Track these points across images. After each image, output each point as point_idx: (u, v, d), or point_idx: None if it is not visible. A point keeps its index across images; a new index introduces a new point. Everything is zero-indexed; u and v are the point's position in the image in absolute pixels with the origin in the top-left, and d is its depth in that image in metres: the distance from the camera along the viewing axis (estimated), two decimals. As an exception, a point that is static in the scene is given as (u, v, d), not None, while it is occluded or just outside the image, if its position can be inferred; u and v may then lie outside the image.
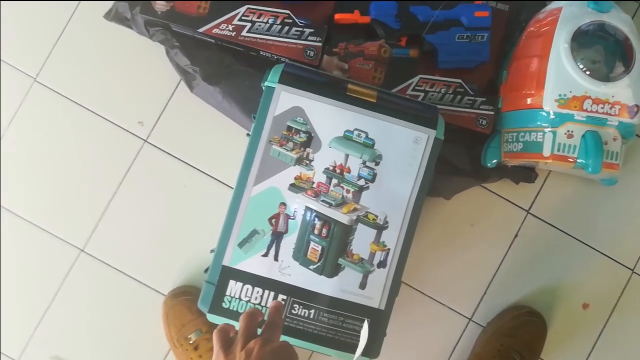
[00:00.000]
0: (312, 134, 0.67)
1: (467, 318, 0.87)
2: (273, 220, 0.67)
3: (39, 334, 0.87)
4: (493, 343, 0.82)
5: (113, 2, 0.84)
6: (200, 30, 0.79)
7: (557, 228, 0.88)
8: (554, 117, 0.72)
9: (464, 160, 0.83)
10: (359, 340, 0.67)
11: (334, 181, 0.68)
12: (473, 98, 0.80)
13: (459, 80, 0.80)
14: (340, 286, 0.67)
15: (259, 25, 0.79)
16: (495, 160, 0.82)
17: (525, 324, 0.83)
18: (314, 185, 0.68)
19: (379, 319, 0.68)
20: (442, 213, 0.87)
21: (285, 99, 0.67)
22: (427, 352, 0.87)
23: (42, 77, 0.88)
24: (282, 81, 0.67)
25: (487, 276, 0.87)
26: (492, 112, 0.80)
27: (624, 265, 0.88)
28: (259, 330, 0.54)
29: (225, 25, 0.79)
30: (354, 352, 0.66)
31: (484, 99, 0.80)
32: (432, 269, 0.87)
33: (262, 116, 0.67)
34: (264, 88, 0.68)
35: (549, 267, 0.88)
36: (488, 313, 0.87)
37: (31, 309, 0.87)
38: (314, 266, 0.67)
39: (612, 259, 0.88)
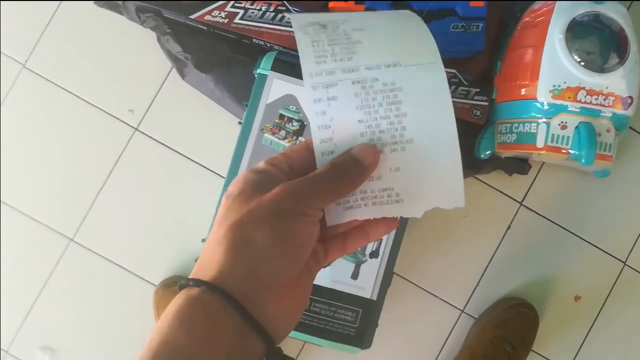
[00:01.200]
0: (305, 123, 0.67)
1: (460, 310, 0.87)
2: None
3: (28, 324, 0.86)
4: (485, 334, 0.82)
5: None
6: (192, 16, 0.77)
7: (549, 220, 0.88)
8: (547, 108, 0.72)
9: (457, 151, 0.82)
10: (351, 331, 0.66)
11: (327, 170, 0.67)
12: (467, 88, 0.79)
13: (453, 71, 0.79)
14: (332, 276, 0.67)
15: (252, 13, 0.78)
16: (488, 152, 0.82)
17: (517, 315, 0.83)
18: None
19: (370, 309, 0.67)
20: (435, 204, 0.86)
21: (278, 87, 0.66)
22: (420, 344, 0.87)
23: (31, 63, 0.87)
24: (274, 69, 0.66)
25: (479, 268, 0.87)
26: (486, 103, 0.80)
27: (616, 258, 0.88)
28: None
29: (218, 12, 0.78)
30: (346, 342, 0.66)
31: (478, 90, 0.80)
32: (425, 260, 0.87)
33: (254, 104, 0.67)
34: (256, 76, 0.68)
35: (541, 259, 0.88)
36: (480, 305, 0.87)
37: (20, 299, 0.86)
38: (306, 256, 0.67)
39: (604, 251, 0.88)
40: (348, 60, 0.33)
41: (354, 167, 0.31)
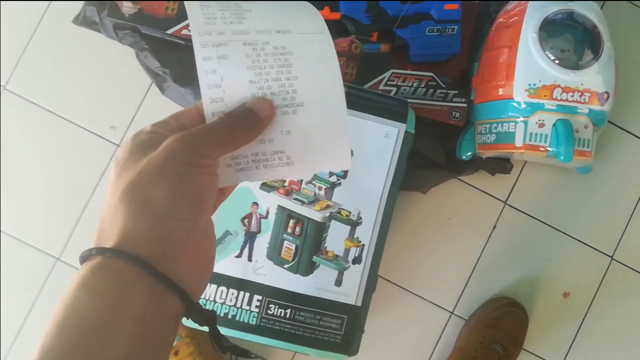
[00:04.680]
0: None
1: (449, 311, 0.87)
2: (246, 221, 0.67)
3: (18, 345, 0.86)
4: (475, 335, 0.82)
5: (82, 6, 0.83)
6: (169, 31, 0.78)
7: (535, 218, 0.88)
8: (524, 106, 0.73)
9: (438, 153, 0.82)
10: (337, 339, 0.66)
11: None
12: (445, 91, 0.80)
13: (431, 74, 0.80)
14: (315, 284, 0.67)
15: (228, 25, 0.78)
16: (470, 153, 0.82)
17: (506, 315, 0.83)
18: (286, 184, 0.67)
19: (356, 316, 0.67)
20: (419, 207, 0.86)
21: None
22: (410, 347, 0.87)
23: (11, 84, 0.87)
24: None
25: (467, 269, 0.87)
26: (465, 105, 0.80)
27: (603, 253, 0.88)
28: None
29: (194, 26, 0.78)
30: (333, 350, 0.66)
31: (456, 92, 0.80)
32: (412, 263, 0.87)
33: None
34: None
35: (528, 258, 0.88)
36: (469, 306, 0.87)
37: (8, 321, 0.86)
38: (289, 265, 0.67)
39: (590, 246, 0.88)
40: (239, 23, 0.33)
41: (248, 117, 0.31)
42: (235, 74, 0.32)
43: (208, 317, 0.31)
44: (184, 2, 0.34)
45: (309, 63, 0.33)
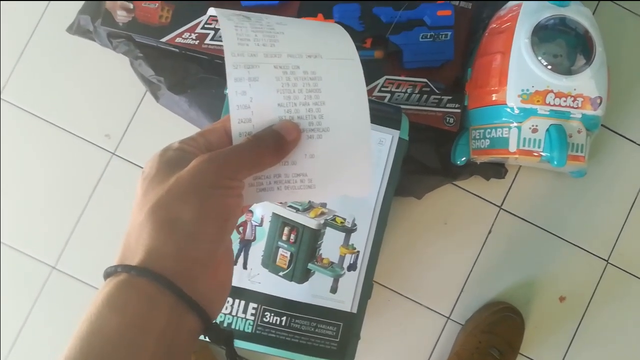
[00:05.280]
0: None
1: (446, 317, 0.87)
2: (240, 228, 0.67)
3: (13, 356, 0.85)
4: (471, 340, 0.82)
5: (76, 15, 0.84)
6: (163, 40, 0.78)
7: (530, 222, 0.88)
8: (518, 112, 0.73)
9: (433, 159, 0.83)
10: (333, 346, 0.66)
11: (301, 186, 0.67)
12: (439, 97, 0.80)
13: (425, 80, 0.80)
14: (311, 291, 0.67)
15: (222, 33, 0.78)
16: (464, 158, 0.82)
17: (502, 320, 0.83)
18: (281, 191, 0.67)
19: (351, 323, 0.67)
20: (414, 213, 0.87)
21: (248, 106, 0.67)
22: (407, 353, 0.87)
23: (6, 93, 0.87)
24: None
25: (463, 273, 0.87)
26: (459, 110, 0.80)
27: (598, 257, 0.88)
28: None
29: (188, 33, 0.78)
30: (328, 357, 0.66)
31: (450, 97, 0.80)
32: (408, 269, 0.87)
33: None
34: (225, 95, 0.68)
35: (524, 262, 0.88)
36: (466, 311, 0.87)
37: (5, 330, 0.85)
38: (284, 272, 0.67)
39: (586, 250, 0.88)
40: (271, 46, 0.33)
41: (276, 140, 0.31)
42: (265, 96, 0.32)
43: (225, 336, 0.32)
44: (220, 20, 0.34)
45: (337, 89, 0.34)
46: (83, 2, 0.83)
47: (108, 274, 0.29)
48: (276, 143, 0.31)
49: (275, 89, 0.32)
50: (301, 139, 0.33)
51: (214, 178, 0.29)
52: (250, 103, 0.32)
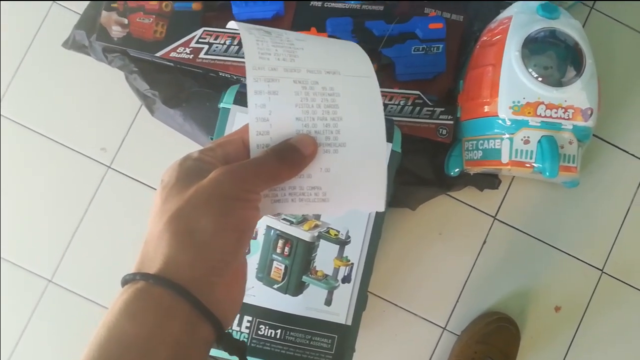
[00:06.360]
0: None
1: (441, 327, 0.87)
2: (235, 242, 0.67)
3: (9, 368, 0.85)
4: (467, 351, 0.82)
5: (71, 30, 0.85)
6: (158, 54, 0.79)
7: (524, 232, 0.88)
8: (509, 124, 0.73)
9: (427, 170, 0.83)
10: (328, 358, 0.66)
11: (295, 199, 0.68)
12: (432, 109, 0.81)
13: (417, 92, 0.81)
14: (305, 304, 0.67)
15: (217, 47, 0.79)
16: (457, 169, 0.83)
17: (498, 330, 0.83)
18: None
19: (346, 335, 0.67)
20: (408, 224, 0.87)
21: (241, 120, 0.67)
22: (403, 364, 0.87)
23: (2, 108, 0.87)
24: (237, 102, 0.67)
25: (458, 284, 0.88)
26: (452, 122, 0.81)
27: (593, 266, 0.89)
28: None
29: (183, 48, 0.79)
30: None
31: (443, 109, 0.81)
32: (403, 280, 0.87)
33: (219, 137, 0.67)
34: (220, 109, 0.69)
35: (519, 272, 0.88)
36: (461, 321, 0.87)
37: (1, 343, 0.85)
38: (278, 285, 0.67)
39: (581, 260, 0.89)
40: (291, 61, 0.34)
41: (293, 153, 0.32)
42: (284, 110, 0.33)
43: (238, 347, 0.32)
44: (241, 34, 0.34)
45: (354, 106, 0.34)
46: (78, 17, 0.84)
47: (126, 281, 0.29)
48: (294, 157, 0.32)
49: (294, 103, 0.33)
50: (318, 153, 0.33)
51: (234, 190, 0.30)
52: (269, 116, 0.33)
